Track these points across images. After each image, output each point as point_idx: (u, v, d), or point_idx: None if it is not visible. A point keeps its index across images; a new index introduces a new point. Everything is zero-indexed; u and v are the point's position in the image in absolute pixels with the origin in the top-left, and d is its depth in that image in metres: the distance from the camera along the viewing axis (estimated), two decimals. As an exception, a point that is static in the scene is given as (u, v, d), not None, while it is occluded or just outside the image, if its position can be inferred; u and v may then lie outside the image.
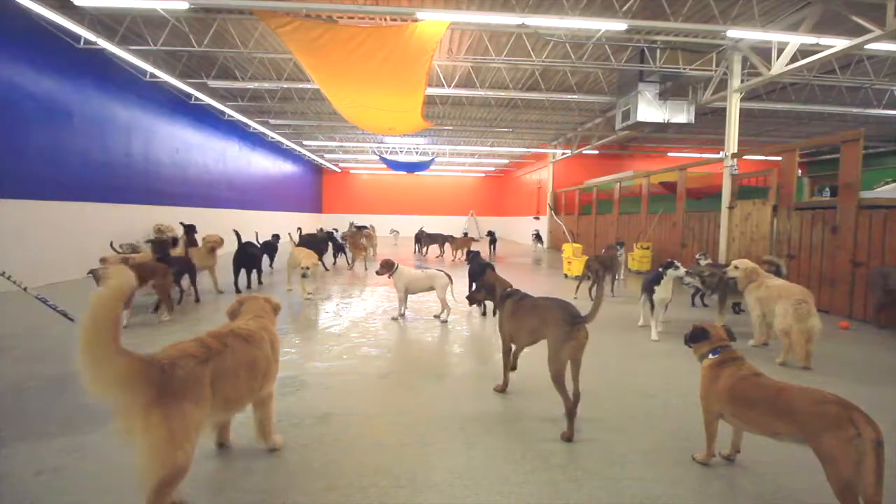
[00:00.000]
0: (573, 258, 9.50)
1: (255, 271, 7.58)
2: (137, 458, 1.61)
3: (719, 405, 2.20)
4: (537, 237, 17.55)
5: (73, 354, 1.49)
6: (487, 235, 14.56)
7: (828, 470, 1.73)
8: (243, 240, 7.64)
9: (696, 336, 2.40)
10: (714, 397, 2.22)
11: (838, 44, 6.81)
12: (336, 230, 14.79)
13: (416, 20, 6.20)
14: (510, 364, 3.27)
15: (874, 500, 1.59)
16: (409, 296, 5.72)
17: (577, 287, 7.35)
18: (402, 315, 5.60)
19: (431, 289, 5.48)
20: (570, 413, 2.58)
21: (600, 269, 7.01)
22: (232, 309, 2.52)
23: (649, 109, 9.61)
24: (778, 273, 5.06)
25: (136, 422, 1.61)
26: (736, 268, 4.67)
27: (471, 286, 5.89)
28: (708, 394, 2.26)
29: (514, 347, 3.19)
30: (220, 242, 6.97)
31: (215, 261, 6.97)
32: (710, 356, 2.32)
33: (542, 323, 2.80)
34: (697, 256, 7.28)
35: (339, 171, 27.95)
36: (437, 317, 5.59)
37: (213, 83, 10.72)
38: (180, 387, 1.72)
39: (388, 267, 5.37)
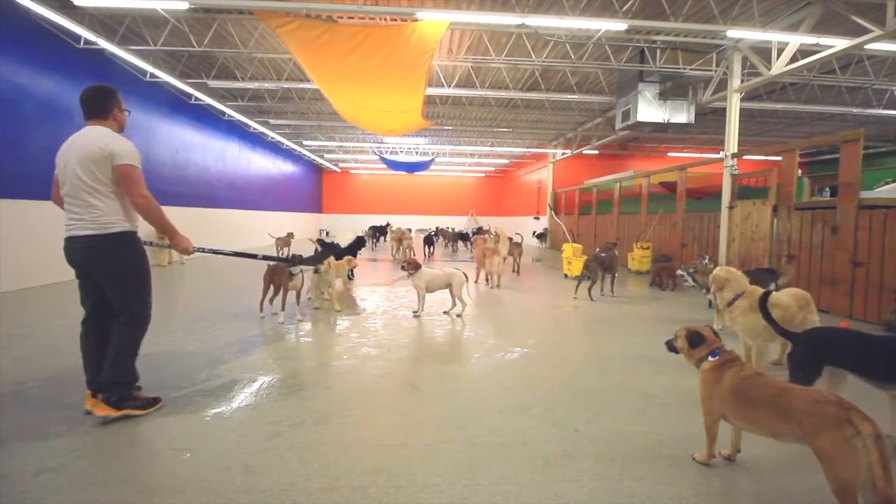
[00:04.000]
0: (573, 258, 9.49)
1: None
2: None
3: (723, 406, 2.19)
4: (540, 236, 17.54)
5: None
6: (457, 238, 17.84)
7: (826, 469, 1.73)
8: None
9: (695, 341, 2.40)
10: (718, 399, 2.21)
11: (838, 44, 6.81)
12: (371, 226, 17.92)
13: (416, 20, 6.20)
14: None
15: (886, 492, 1.58)
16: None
17: (577, 287, 7.34)
18: (420, 311, 5.78)
19: (448, 286, 5.69)
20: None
21: (599, 268, 7.01)
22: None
23: (649, 109, 9.59)
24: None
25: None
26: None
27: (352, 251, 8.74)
28: (711, 396, 2.24)
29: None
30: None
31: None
32: (710, 358, 2.32)
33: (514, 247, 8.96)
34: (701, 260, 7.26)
35: (339, 171, 27.95)
36: (447, 312, 5.84)
37: (213, 83, 10.72)
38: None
39: (416, 267, 5.65)
